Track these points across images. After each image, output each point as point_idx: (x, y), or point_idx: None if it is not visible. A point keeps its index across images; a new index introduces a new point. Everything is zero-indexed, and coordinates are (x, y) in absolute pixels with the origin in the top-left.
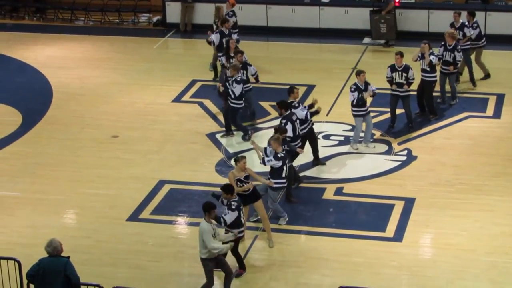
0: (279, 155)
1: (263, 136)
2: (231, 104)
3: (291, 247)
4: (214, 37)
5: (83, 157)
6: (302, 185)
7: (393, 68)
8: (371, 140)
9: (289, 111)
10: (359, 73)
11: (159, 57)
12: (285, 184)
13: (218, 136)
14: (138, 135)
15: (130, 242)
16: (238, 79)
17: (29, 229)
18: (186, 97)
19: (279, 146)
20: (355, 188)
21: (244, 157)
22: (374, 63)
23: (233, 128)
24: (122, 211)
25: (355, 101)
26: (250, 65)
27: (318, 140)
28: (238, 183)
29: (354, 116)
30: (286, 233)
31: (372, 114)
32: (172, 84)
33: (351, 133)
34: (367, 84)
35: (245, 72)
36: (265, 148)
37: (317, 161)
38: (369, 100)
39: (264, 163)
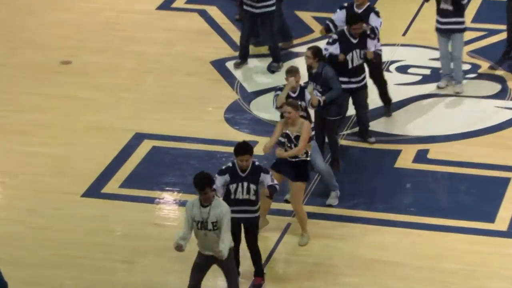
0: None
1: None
2: (266, 8)
3: (342, 245)
4: None
5: (14, 93)
6: (365, 145)
7: None
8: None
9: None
10: None
11: None
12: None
13: (229, 64)
14: (103, 61)
15: (87, 231)
16: None
17: None
18: (179, 2)
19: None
20: (446, 151)
21: (292, 104)
22: None
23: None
24: (74, 181)
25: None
26: None
27: (390, 75)
28: (286, 141)
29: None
30: (335, 220)
31: (476, 34)
32: None
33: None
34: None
35: None
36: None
37: (387, 107)
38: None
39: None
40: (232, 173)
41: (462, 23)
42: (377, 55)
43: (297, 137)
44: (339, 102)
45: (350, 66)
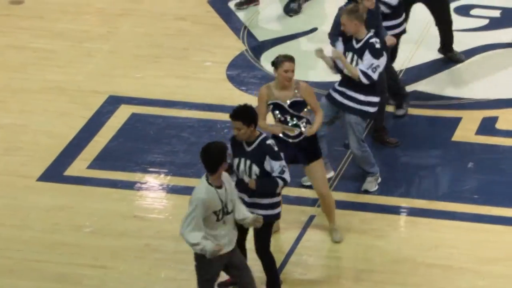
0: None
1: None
2: None
3: (383, 244)
4: None
5: None
6: (415, 112)
7: None
8: None
9: None
10: None
11: None
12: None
13: (232, 4)
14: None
15: (46, 227)
16: None
17: None
18: None
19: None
20: None
21: (292, 59)
22: None
23: None
24: (30, 160)
25: None
26: None
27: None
28: (277, 113)
29: None
30: (373, 211)
31: None
32: None
33: None
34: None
35: None
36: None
37: (450, 53)
38: None
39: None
40: (235, 145)
41: None
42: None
43: (295, 103)
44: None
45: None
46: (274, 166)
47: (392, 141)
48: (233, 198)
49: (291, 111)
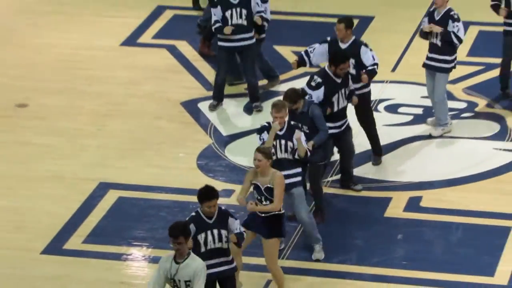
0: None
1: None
2: (245, 41)
3: None
4: None
5: None
6: (352, 193)
7: None
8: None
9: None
10: None
11: None
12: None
13: (202, 105)
14: (62, 103)
15: None
16: None
17: None
18: (146, 37)
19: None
20: (440, 198)
21: (264, 152)
22: None
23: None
24: (34, 237)
25: (422, 35)
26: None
27: (378, 115)
28: (255, 192)
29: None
30: (321, 276)
31: (473, 69)
32: (121, 13)
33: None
34: (448, 11)
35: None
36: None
37: (377, 153)
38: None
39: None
40: (198, 222)
41: (449, 62)
42: (371, 73)
43: (268, 189)
44: (324, 146)
45: (335, 109)
46: (233, 224)
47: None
48: (193, 285)
49: (265, 194)
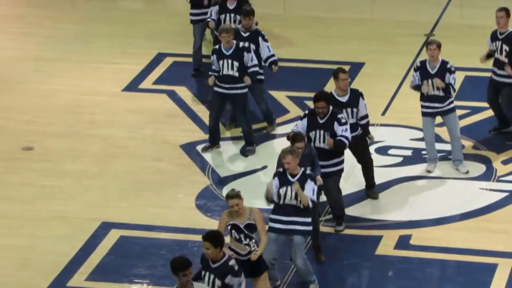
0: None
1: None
2: (237, 90)
3: None
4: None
5: None
6: (344, 232)
7: (494, 35)
8: (459, 159)
9: (331, 108)
10: (430, 43)
11: (102, 15)
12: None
13: (200, 148)
14: (66, 146)
15: None
16: (247, 46)
17: None
18: (147, 83)
19: (296, 165)
20: (429, 236)
21: (238, 195)
22: (462, 25)
23: (226, 133)
24: (39, 274)
25: (417, 88)
26: (266, 40)
27: (371, 157)
28: (234, 232)
29: (422, 114)
30: None
31: (459, 112)
32: (123, 60)
33: (424, 145)
34: (444, 65)
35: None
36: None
37: (371, 190)
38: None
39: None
40: (204, 259)
41: (452, 100)
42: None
43: (248, 226)
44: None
45: (313, 144)
46: (233, 282)
47: (321, 258)
48: None
49: (245, 231)
